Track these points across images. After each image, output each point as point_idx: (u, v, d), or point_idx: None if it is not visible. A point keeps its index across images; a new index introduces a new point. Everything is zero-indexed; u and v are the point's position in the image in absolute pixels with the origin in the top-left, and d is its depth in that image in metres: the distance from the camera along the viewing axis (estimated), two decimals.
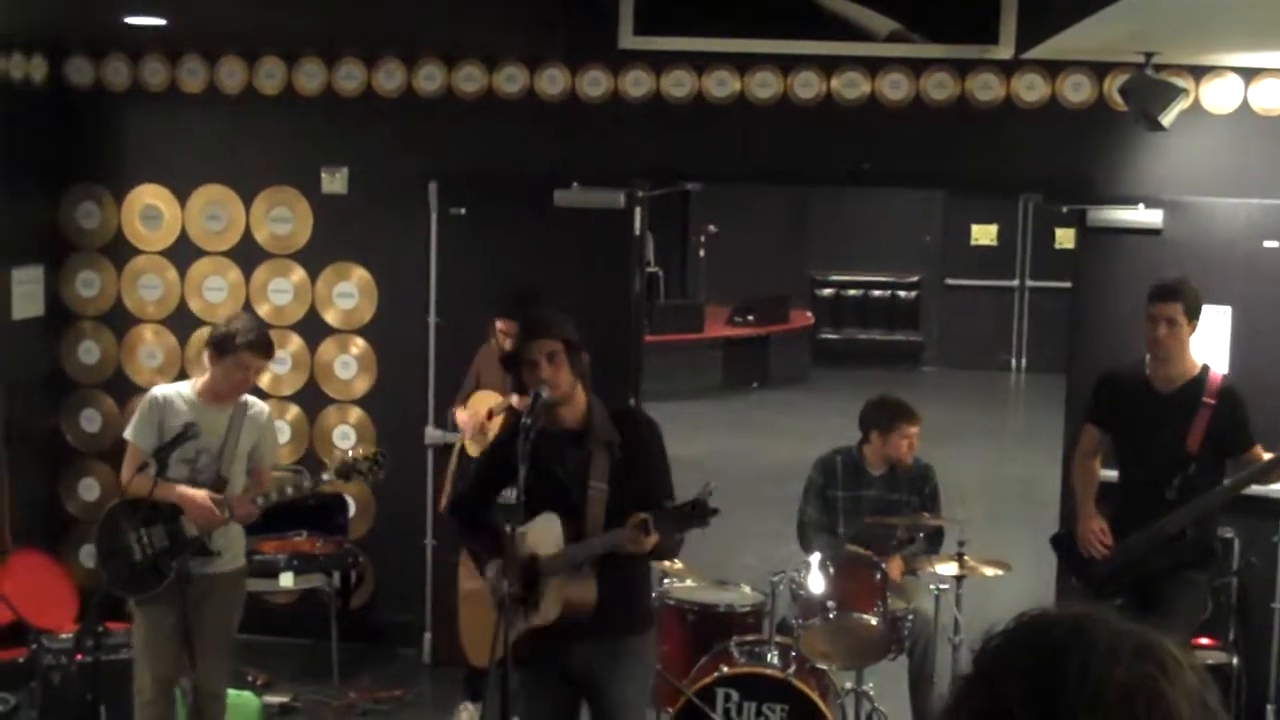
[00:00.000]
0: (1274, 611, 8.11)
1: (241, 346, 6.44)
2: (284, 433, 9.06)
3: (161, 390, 6.65)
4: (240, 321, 6.63)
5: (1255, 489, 7.00)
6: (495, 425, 7.65)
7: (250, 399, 6.73)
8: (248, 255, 9.24)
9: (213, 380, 6.56)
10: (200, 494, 6.40)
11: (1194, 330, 6.74)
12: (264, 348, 6.51)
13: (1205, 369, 6.82)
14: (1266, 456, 6.62)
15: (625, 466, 5.55)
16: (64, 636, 7.51)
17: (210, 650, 6.62)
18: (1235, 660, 7.61)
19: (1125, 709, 1.57)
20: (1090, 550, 6.86)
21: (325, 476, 6.71)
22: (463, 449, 8.03)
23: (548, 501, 5.48)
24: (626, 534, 5.33)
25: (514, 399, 7.47)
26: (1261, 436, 6.78)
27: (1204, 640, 7.54)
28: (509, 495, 5.98)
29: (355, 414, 9.20)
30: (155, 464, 6.29)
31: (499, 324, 7.76)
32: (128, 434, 6.63)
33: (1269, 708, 8.09)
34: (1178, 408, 6.73)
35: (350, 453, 6.88)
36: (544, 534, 5.50)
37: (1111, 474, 7.12)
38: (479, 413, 7.81)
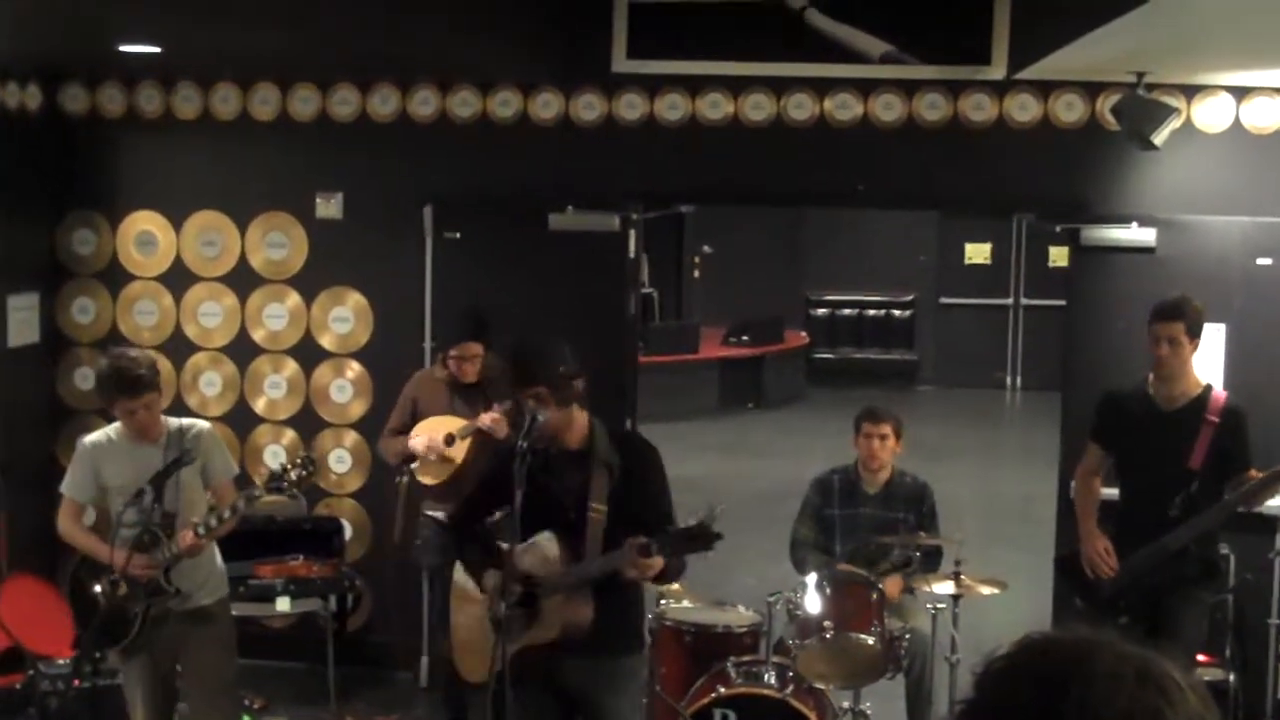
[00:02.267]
0: (1270, 628, 8.11)
1: (110, 397, 6.31)
2: (280, 457, 9.05)
3: (91, 439, 6.51)
4: (104, 365, 6.38)
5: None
6: (462, 449, 7.70)
7: (187, 422, 6.55)
8: (243, 281, 9.25)
9: (124, 426, 6.41)
10: (136, 565, 6.25)
11: (1196, 348, 6.76)
12: (131, 388, 6.22)
13: (1208, 388, 6.84)
14: (1258, 475, 6.63)
15: (624, 489, 5.57)
16: (61, 662, 7.50)
17: (206, 696, 6.53)
18: (1232, 677, 7.60)
19: None
20: (1096, 571, 6.86)
21: (256, 493, 6.40)
22: (412, 479, 7.99)
23: (546, 520, 5.51)
24: (627, 557, 5.33)
25: (484, 419, 7.54)
26: (1257, 452, 6.79)
27: (1201, 657, 7.53)
28: (504, 512, 6.01)
29: (351, 437, 9.21)
30: (151, 490, 6.20)
31: (454, 351, 7.78)
32: (63, 487, 6.55)
33: None
34: (1180, 426, 6.74)
35: (275, 465, 6.79)
36: (541, 553, 5.52)
37: (1113, 492, 7.13)
38: (436, 437, 7.77)
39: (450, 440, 7.72)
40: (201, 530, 6.23)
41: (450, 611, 6.09)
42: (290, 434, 9.22)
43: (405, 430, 7.90)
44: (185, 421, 6.57)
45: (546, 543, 5.53)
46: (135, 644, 6.34)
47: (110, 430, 6.51)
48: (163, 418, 6.46)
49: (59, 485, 9.24)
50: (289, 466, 6.40)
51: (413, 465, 7.90)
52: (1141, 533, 6.77)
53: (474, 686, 5.97)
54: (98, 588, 6.35)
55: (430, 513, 7.88)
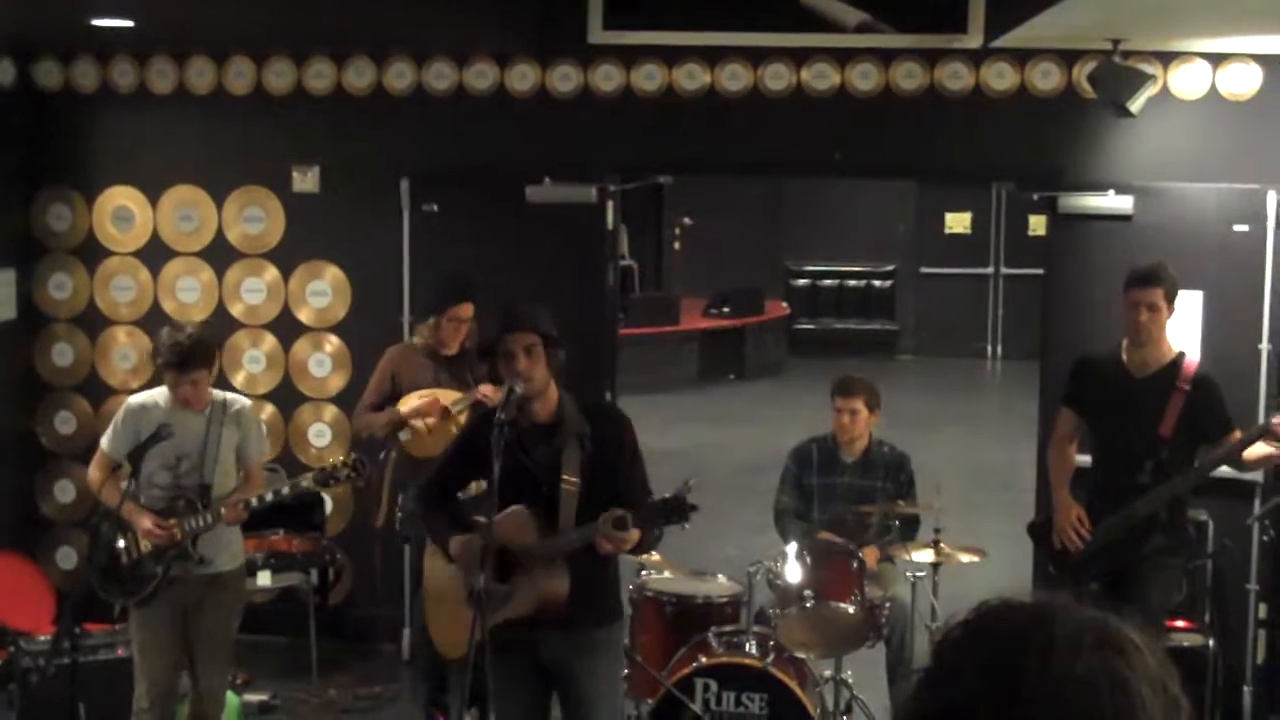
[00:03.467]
0: (1249, 593, 8.15)
1: (161, 368, 6.48)
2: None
3: (138, 399, 6.66)
4: (163, 336, 6.51)
5: (1227, 471, 7.01)
6: (461, 421, 7.56)
7: (231, 397, 6.73)
8: (220, 255, 9.23)
9: (170, 393, 6.56)
10: (147, 521, 6.39)
11: (1172, 314, 6.77)
12: (182, 364, 6.38)
13: (1181, 355, 6.84)
14: (1239, 436, 6.66)
15: (596, 460, 5.55)
16: (42, 639, 7.50)
17: (210, 653, 6.64)
18: (1211, 643, 7.63)
19: (1087, 698, 1.57)
20: (1067, 540, 6.88)
21: (305, 485, 6.67)
22: (400, 453, 7.74)
23: (518, 494, 5.47)
24: (602, 529, 5.33)
25: (484, 390, 7.43)
26: (1233, 418, 6.81)
27: (1180, 623, 7.57)
28: (473, 491, 5.98)
29: (330, 412, 9.19)
30: (129, 465, 6.29)
31: (448, 314, 7.61)
32: (102, 442, 6.65)
33: (1245, 689, 8.13)
34: (1152, 393, 6.75)
35: (330, 460, 6.91)
36: (514, 527, 5.50)
37: (1086, 459, 7.15)
38: (433, 404, 7.58)
39: (446, 414, 7.60)
40: (253, 503, 6.49)
41: (425, 587, 6.08)
42: (270, 408, 9.20)
43: (382, 406, 7.72)
44: (230, 396, 6.75)
45: (518, 516, 5.50)
46: (147, 599, 6.47)
47: (158, 394, 6.63)
48: (209, 390, 6.63)
49: (37, 461, 9.33)
50: (340, 467, 6.59)
51: (403, 438, 7.75)
52: (1112, 499, 6.79)
53: (452, 662, 5.97)
54: (121, 542, 6.45)
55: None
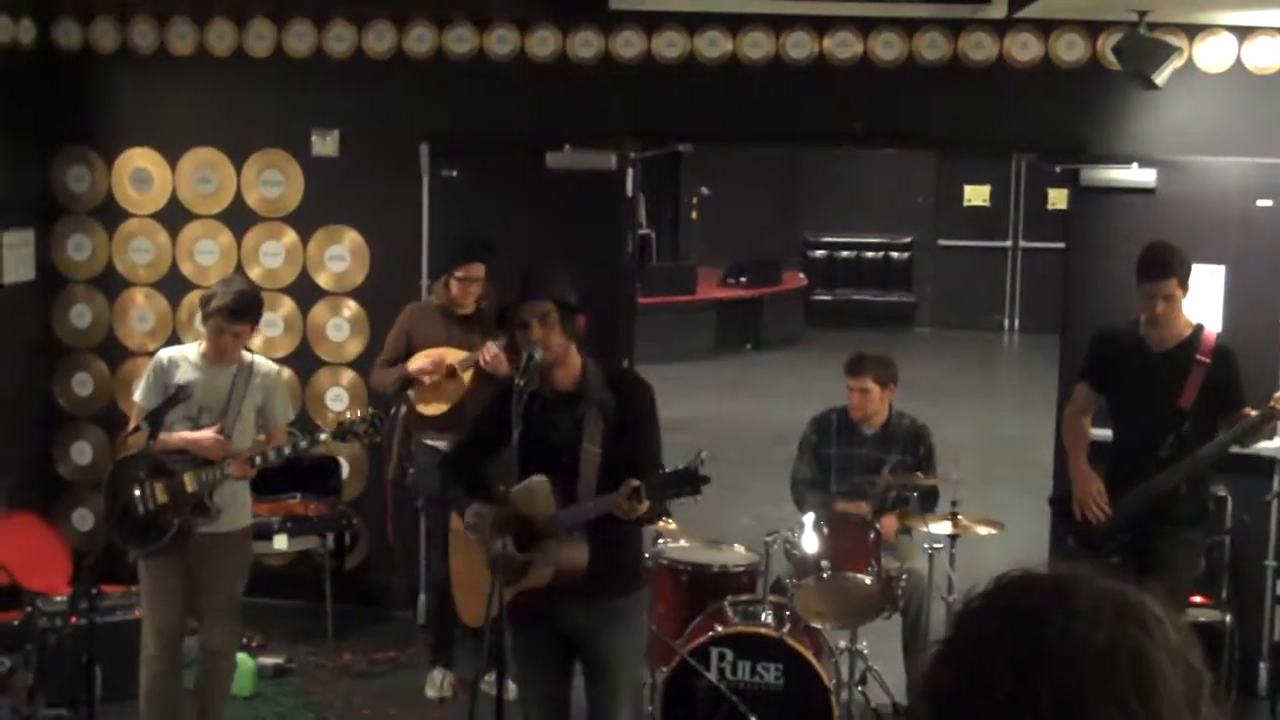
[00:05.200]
0: (1266, 569, 8.12)
1: (212, 312, 6.49)
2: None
3: (167, 352, 6.71)
4: (221, 285, 6.62)
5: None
6: (466, 380, 7.63)
7: (258, 359, 6.79)
8: (239, 218, 9.22)
9: (207, 342, 6.61)
10: (202, 433, 6.49)
11: (1187, 293, 6.72)
12: (235, 313, 6.45)
13: (1199, 328, 6.81)
14: (1253, 414, 6.63)
15: (617, 429, 5.51)
16: (58, 599, 7.51)
17: (215, 609, 6.68)
18: (1228, 618, 7.61)
19: (1107, 671, 1.56)
20: (1088, 513, 6.86)
21: (322, 436, 6.73)
22: (410, 409, 7.86)
23: (539, 463, 5.43)
24: (620, 500, 5.30)
25: (488, 350, 7.45)
26: (1254, 393, 6.77)
27: (1197, 598, 7.55)
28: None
29: (348, 376, 9.19)
30: (148, 427, 6.30)
31: (459, 272, 7.67)
32: (136, 395, 6.73)
33: (1262, 665, 8.11)
34: (1171, 366, 6.73)
35: (346, 414, 6.92)
36: (534, 496, 5.47)
37: (1104, 433, 7.13)
38: (439, 363, 7.63)
39: (452, 372, 7.64)
40: (259, 461, 6.49)
41: (450, 556, 6.08)
42: (287, 373, 9.16)
43: (399, 362, 7.79)
44: (259, 359, 6.82)
45: (539, 486, 5.47)
46: (159, 551, 6.50)
47: (187, 349, 6.73)
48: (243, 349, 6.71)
49: (54, 422, 9.35)
50: (359, 420, 6.63)
51: (410, 394, 7.79)
52: (1133, 473, 6.76)
53: (470, 630, 5.96)
54: (137, 491, 6.47)
55: (430, 442, 7.74)
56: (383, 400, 8.04)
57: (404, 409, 7.94)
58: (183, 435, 6.48)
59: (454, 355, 7.67)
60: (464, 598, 5.92)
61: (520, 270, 5.64)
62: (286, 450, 6.56)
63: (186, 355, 6.64)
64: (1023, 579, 1.68)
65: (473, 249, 7.70)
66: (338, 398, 9.20)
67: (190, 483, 6.45)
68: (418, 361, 7.70)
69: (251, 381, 6.63)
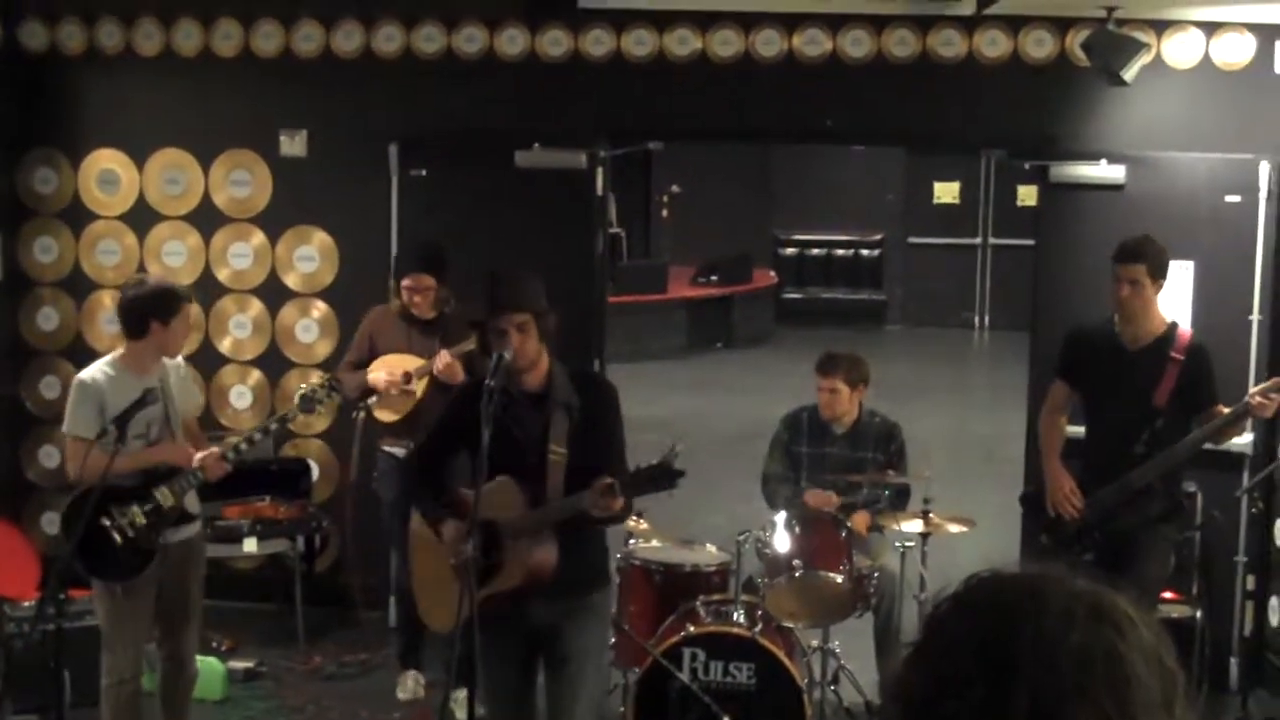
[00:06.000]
0: (1237, 565, 8.15)
1: (185, 299, 6.36)
2: (246, 397, 9.10)
3: (88, 373, 6.37)
4: (157, 280, 6.45)
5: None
6: (421, 388, 7.62)
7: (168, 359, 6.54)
8: (207, 219, 9.17)
9: (154, 345, 6.35)
10: (163, 445, 6.31)
11: (1160, 289, 6.74)
12: (176, 313, 6.32)
13: (1173, 325, 6.83)
14: (1225, 411, 6.65)
15: (584, 430, 5.51)
16: (27, 605, 7.46)
17: (185, 617, 6.59)
18: (1199, 614, 7.63)
19: (1081, 673, 1.55)
20: (1061, 511, 6.86)
21: (290, 415, 6.62)
22: (369, 415, 7.86)
23: (505, 464, 5.40)
24: (593, 498, 5.29)
25: (440, 360, 7.43)
26: (1222, 388, 6.79)
27: (1168, 594, 7.56)
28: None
29: (317, 378, 9.11)
30: (115, 430, 6.15)
31: (406, 281, 7.65)
32: (67, 427, 6.39)
33: (1232, 660, 8.14)
34: (1145, 364, 6.74)
35: (304, 387, 6.84)
36: (501, 498, 5.44)
37: (1078, 430, 7.14)
38: (396, 373, 7.64)
39: (408, 379, 7.63)
40: (231, 455, 6.33)
41: (410, 559, 6.04)
42: (256, 374, 9.16)
43: (362, 365, 7.77)
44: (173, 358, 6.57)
45: (505, 487, 5.44)
46: (144, 576, 6.32)
47: (106, 365, 6.41)
48: None
49: (22, 426, 9.27)
50: (319, 387, 6.59)
51: (370, 401, 7.78)
52: (1107, 470, 6.77)
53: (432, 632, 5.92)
54: (107, 521, 6.22)
55: (388, 449, 7.79)
56: (346, 405, 8.08)
57: (361, 414, 7.94)
58: (147, 453, 6.28)
59: (410, 363, 7.65)
60: (427, 603, 5.89)
61: (492, 278, 5.60)
62: (258, 437, 6.48)
63: (107, 371, 6.36)
64: (994, 580, 1.66)
65: (421, 260, 7.69)
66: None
67: (167, 497, 6.30)
68: (375, 372, 7.70)
69: (174, 380, 6.46)
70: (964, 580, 1.67)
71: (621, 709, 6.90)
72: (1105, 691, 1.54)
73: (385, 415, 7.77)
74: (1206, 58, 8.17)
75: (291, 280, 9.15)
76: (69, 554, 6.09)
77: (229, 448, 6.40)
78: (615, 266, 17.59)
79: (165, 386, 6.38)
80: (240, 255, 9.18)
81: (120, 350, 6.44)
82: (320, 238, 9.09)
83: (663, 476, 5.32)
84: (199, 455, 6.35)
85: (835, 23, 8.49)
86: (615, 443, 5.62)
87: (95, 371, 6.38)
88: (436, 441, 5.80)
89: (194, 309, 6.56)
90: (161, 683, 6.73)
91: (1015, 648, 1.56)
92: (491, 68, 8.78)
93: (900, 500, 7.60)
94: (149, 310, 6.31)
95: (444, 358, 7.45)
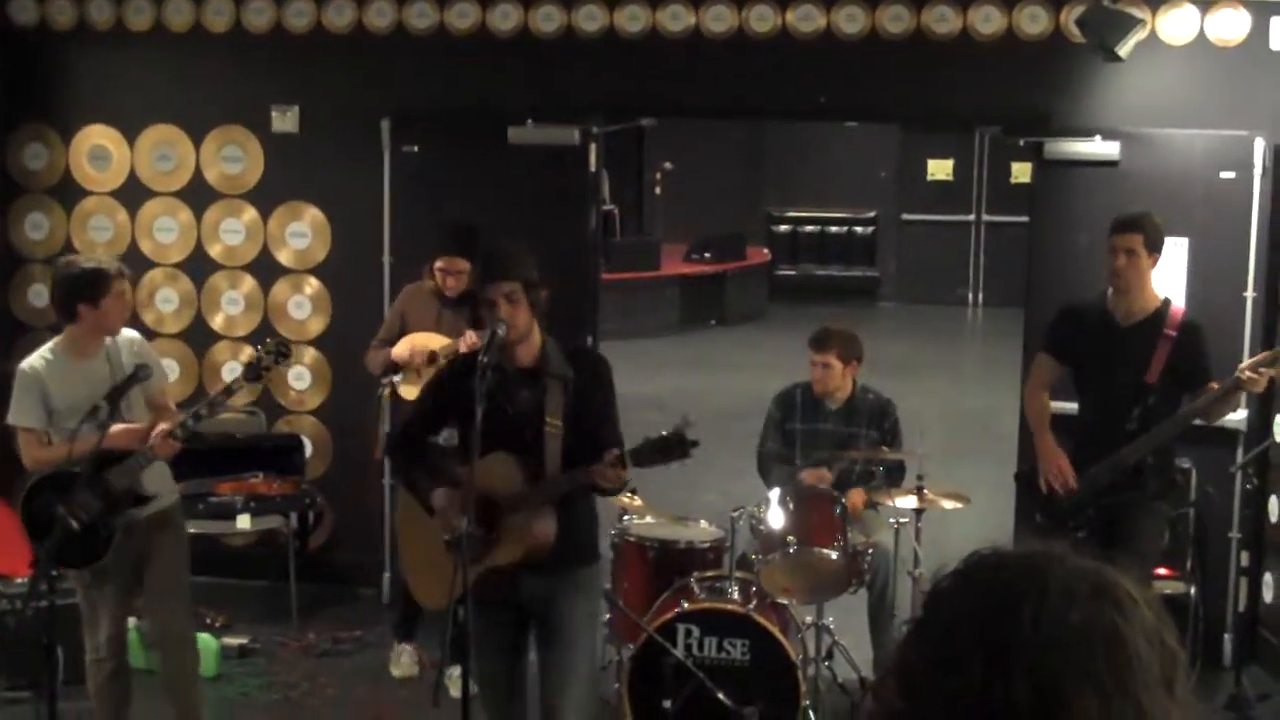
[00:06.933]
0: (1231, 542, 8.16)
1: (115, 276, 6.22)
2: (238, 374, 9.01)
3: (30, 363, 6.29)
4: (85, 261, 6.34)
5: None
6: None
7: (124, 333, 6.44)
8: (198, 195, 9.14)
9: (89, 327, 6.25)
10: (119, 427, 6.14)
11: (1155, 263, 6.74)
12: (98, 286, 6.19)
13: (1167, 302, 6.82)
14: (1216, 388, 6.64)
15: (578, 403, 5.51)
16: (19, 582, 7.45)
17: (168, 594, 6.53)
18: (1193, 590, 7.65)
19: (1082, 651, 1.54)
20: (1054, 484, 6.86)
21: (236, 386, 6.40)
22: (394, 394, 7.84)
23: (500, 439, 5.39)
24: (602, 470, 5.28)
25: (464, 342, 7.40)
26: (1218, 366, 6.79)
27: (1162, 571, 7.57)
28: (448, 436, 5.92)
29: (310, 354, 9.13)
30: (107, 407, 6.09)
31: (439, 263, 7.66)
32: (12, 418, 6.33)
33: (1226, 636, 8.14)
34: (1138, 340, 6.73)
35: (252, 353, 6.65)
36: (497, 473, 5.43)
37: (1070, 406, 7.13)
38: (420, 351, 7.63)
39: (434, 359, 7.58)
40: (179, 432, 6.15)
41: (399, 535, 6.03)
42: (249, 351, 9.11)
43: (392, 343, 7.77)
44: (124, 332, 6.43)
45: (501, 462, 5.44)
46: (106, 561, 6.26)
47: (46, 351, 6.33)
48: None
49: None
50: (264, 355, 6.36)
51: (395, 378, 7.77)
52: (1099, 446, 6.77)
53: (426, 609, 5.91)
54: (61, 509, 6.10)
55: None
56: (366, 382, 8.07)
57: (387, 391, 7.90)
58: (101, 437, 6.07)
59: (436, 341, 7.65)
60: (417, 579, 5.87)
61: (483, 250, 5.62)
62: (204, 411, 6.21)
63: (48, 358, 6.28)
64: (994, 558, 1.65)
65: (456, 242, 7.66)
66: (299, 376, 9.14)
67: (118, 478, 6.18)
68: (400, 348, 7.70)
69: (125, 356, 6.31)
70: (964, 558, 1.66)
71: (616, 685, 6.90)
72: (1107, 671, 1.53)
73: (410, 393, 7.69)
74: (1201, 34, 8.14)
75: (284, 256, 9.12)
76: (47, 553, 6.02)
77: (176, 424, 6.18)
78: (608, 243, 17.54)
79: (114, 367, 6.26)
80: (232, 231, 9.16)
81: (62, 336, 6.36)
82: (312, 214, 9.06)
83: (676, 446, 5.31)
84: (155, 432, 6.20)
85: None
86: (610, 415, 5.62)
87: (34, 359, 6.32)
88: (419, 417, 5.79)
89: (126, 286, 6.29)
90: (162, 665, 6.70)
91: (1016, 626, 1.55)
92: (484, 43, 8.74)
93: (894, 476, 7.59)
94: (74, 294, 6.23)
95: (470, 336, 7.40)
